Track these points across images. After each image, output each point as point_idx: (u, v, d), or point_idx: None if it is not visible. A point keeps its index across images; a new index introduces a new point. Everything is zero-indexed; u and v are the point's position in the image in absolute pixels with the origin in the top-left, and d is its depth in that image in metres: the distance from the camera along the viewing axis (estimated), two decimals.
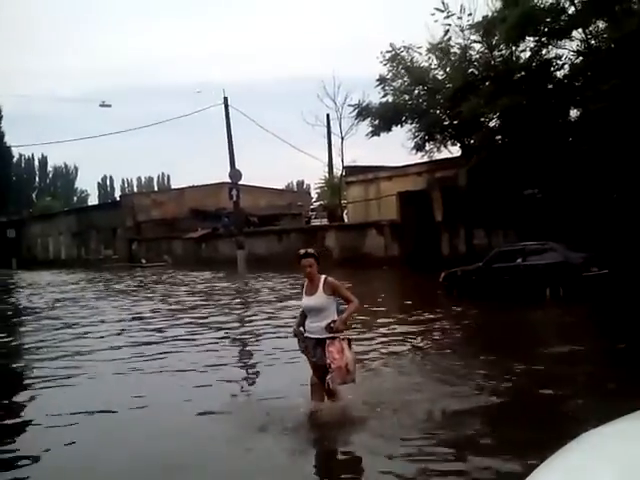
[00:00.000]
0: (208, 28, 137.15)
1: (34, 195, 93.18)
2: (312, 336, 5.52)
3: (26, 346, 10.93)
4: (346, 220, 30.18)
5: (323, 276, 5.58)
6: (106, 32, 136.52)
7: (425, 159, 23.25)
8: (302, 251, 5.67)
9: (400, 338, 10.06)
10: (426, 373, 7.55)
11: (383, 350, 9.16)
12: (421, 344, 9.52)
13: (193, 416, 6.04)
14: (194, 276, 25.92)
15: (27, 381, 8.23)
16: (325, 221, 32.94)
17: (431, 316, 12.17)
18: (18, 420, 6.50)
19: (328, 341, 5.38)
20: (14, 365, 9.55)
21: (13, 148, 60.79)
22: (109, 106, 42.76)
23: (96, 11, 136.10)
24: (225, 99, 29.29)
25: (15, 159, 72.16)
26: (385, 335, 10.37)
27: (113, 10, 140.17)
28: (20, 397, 7.41)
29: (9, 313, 17.02)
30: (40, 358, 9.56)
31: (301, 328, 5.66)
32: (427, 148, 22.70)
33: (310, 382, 5.69)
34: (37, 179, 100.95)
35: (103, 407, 6.47)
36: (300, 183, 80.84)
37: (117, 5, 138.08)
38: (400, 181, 24.95)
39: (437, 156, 23.05)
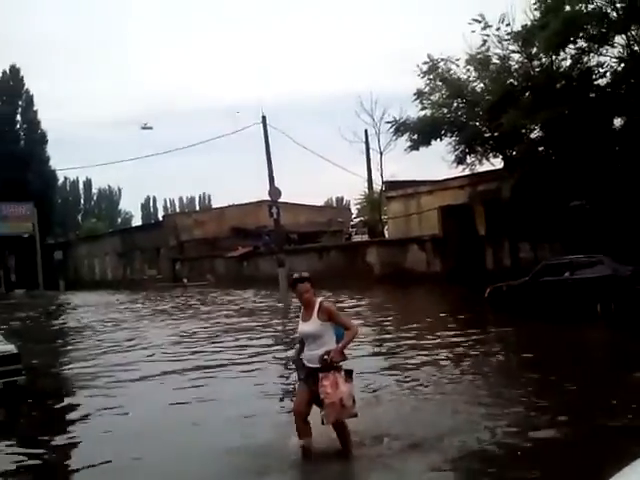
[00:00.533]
0: (244, 47, 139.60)
1: (79, 217, 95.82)
2: (310, 365, 5.13)
3: (77, 372, 10.97)
4: (387, 235, 30.01)
5: (319, 300, 5.18)
6: (145, 55, 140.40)
7: (466, 172, 23.04)
8: (296, 275, 5.27)
9: (441, 358, 9.76)
10: (464, 398, 7.10)
11: (420, 370, 8.89)
12: (463, 364, 9.16)
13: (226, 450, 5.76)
14: (237, 295, 26.06)
15: (82, 411, 8.12)
16: (366, 237, 32.85)
17: (476, 335, 11.75)
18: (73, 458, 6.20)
19: (321, 374, 4.96)
20: (65, 395, 9.55)
21: (58, 172, 62.56)
22: (150, 128, 43.74)
23: (135, 35, 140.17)
24: (263, 118, 29.54)
25: (60, 182, 74.12)
26: (425, 354, 10.10)
27: (151, 33, 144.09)
28: (73, 431, 7.25)
29: (59, 335, 17.44)
30: (91, 385, 9.60)
31: (302, 356, 5.28)
32: (468, 161, 22.46)
33: (295, 410, 5.24)
34: (82, 201, 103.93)
35: (157, 447, 6.18)
36: (340, 199, 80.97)
37: (156, 29, 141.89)
38: (441, 195, 24.71)
39: (479, 169, 22.80)
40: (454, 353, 10.06)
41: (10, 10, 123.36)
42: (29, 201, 51.16)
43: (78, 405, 8.52)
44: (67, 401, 8.99)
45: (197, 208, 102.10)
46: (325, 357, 4.95)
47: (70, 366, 11.75)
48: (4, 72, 59.33)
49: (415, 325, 13.76)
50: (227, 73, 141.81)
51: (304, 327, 5.20)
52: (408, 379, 8.44)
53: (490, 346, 10.77)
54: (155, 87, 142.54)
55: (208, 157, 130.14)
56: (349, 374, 5.09)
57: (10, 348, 8.90)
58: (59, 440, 6.87)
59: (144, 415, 7.49)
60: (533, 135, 20.37)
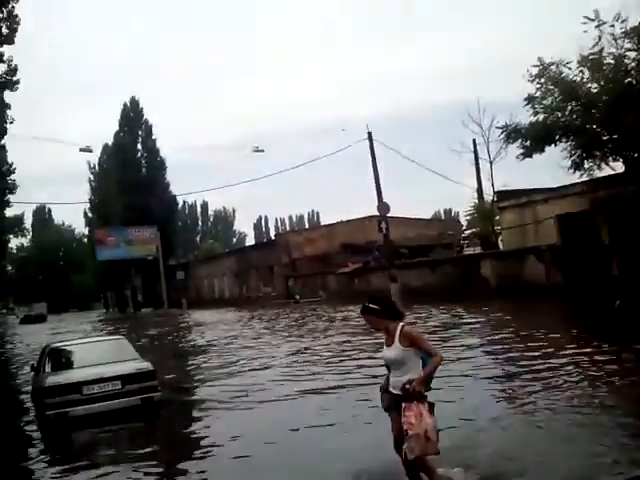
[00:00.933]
0: (349, 64, 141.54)
1: (198, 239, 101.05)
2: (394, 392, 4.94)
3: (208, 390, 11.35)
4: (501, 247, 29.12)
5: (400, 324, 4.93)
6: (254, 80, 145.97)
7: (584, 178, 21.97)
8: (363, 305, 5.09)
9: (567, 380, 8.89)
10: (600, 430, 6.31)
11: (544, 395, 8.13)
12: (594, 389, 8.23)
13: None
14: (350, 311, 26.17)
15: (216, 433, 8.18)
16: (478, 249, 32.03)
17: (606, 353, 10.61)
18: None
19: (404, 404, 4.74)
20: (199, 415, 9.72)
21: (178, 196, 66.42)
22: (262, 151, 45.28)
23: (244, 60, 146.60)
24: (369, 134, 29.88)
25: (179, 206, 78.63)
26: (550, 376, 9.26)
27: (258, 59, 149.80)
28: (209, 454, 7.25)
29: (187, 352, 18.47)
30: (223, 406, 9.77)
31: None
32: (586, 166, 21.45)
33: (395, 442, 5.01)
34: (200, 223, 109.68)
35: None
36: (448, 211, 79.90)
37: (263, 53, 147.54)
38: (558, 203, 23.64)
39: (598, 174, 21.69)
40: (582, 375, 9.20)
41: (128, 43, 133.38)
42: (152, 225, 54.76)
43: (211, 426, 8.67)
44: (202, 421, 9.16)
45: (306, 225, 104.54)
46: (407, 386, 4.75)
47: (202, 384, 12.19)
48: (125, 104, 63.91)
49: (537, 342, 13.08)
50: (335, 90, 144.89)
51: (386, 353, 5.03)
52: (532, 405, 7.80)
53: (623, 367, 9.55)
54: (265, 109, 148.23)
55: (316, 175, 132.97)
56: (431, 406, 4.83)
57: (146, 365, 9.53)
58: (194, 464, 6.98)
59: (277, 440, 7.39)
60: None
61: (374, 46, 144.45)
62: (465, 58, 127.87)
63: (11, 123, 26.87)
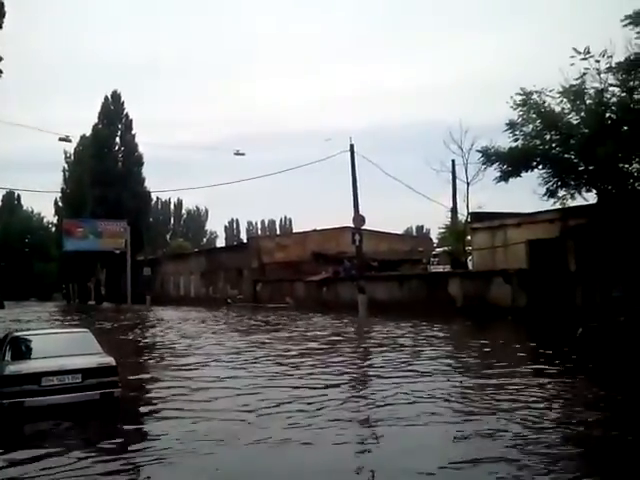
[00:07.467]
0: (336, 75, 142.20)
1: (168, 236, 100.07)
2: None
3: (165, 390, 11.12)
4: (470, 267, 29.44)
5: None
6: (240, 82, 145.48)
7: (557, 206, 22.37)
8: None
9: (518, 408, 8.59)
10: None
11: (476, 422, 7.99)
12: (541, 420, 7.98)
13: None
14: (318, 319, 26.22)
15: (171, 429, 8.07)
16: (447, 268, 32.29)
17: (562, 380, 10.66)
18: None
19: None
20: (156, 414, 9.55)
21: (152, 192, 65.73)
22: (243, 154, 44.87)
23: (229, 63, 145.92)
24: (351, 146, 29.95)
25: (153, 202, 77.76)
26: (495, 406, 8.93)
27: (244, 61, 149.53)
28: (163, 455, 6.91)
29: (141, 349, 18.03)
30: (182, 399, 9.66)
31: None
32: (560, 194, 21.85)
33: None
34: (172, 221, 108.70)
35: None
36: (420, 227, 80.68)
37: (248, 56, 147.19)
38: (530, 228, 24.03)
39: (570, 203, 22.10)
40: (529, 404, 8.91)
41: (111, 36, 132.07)
42: (123, 219, 54.06)
43: (169, 419, 8.64)
44: (157, 423, 8.83)
45: (278, 231, 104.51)
46: None
47: (159, 383, 11.89)
48: (106, 97, 63.24)
49: (487, 368, 12.43)
50: (321, 100, 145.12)
51: None
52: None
53: (578, 395, 9.61)
54: (249, 113, 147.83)
55: (292, 182, 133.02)
56: None
57: (109, 360, 9.30)
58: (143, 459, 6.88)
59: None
60: (631, 170, 19.61)
61: (360, 61, 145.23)
62: (451, 77, 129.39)
63: None
